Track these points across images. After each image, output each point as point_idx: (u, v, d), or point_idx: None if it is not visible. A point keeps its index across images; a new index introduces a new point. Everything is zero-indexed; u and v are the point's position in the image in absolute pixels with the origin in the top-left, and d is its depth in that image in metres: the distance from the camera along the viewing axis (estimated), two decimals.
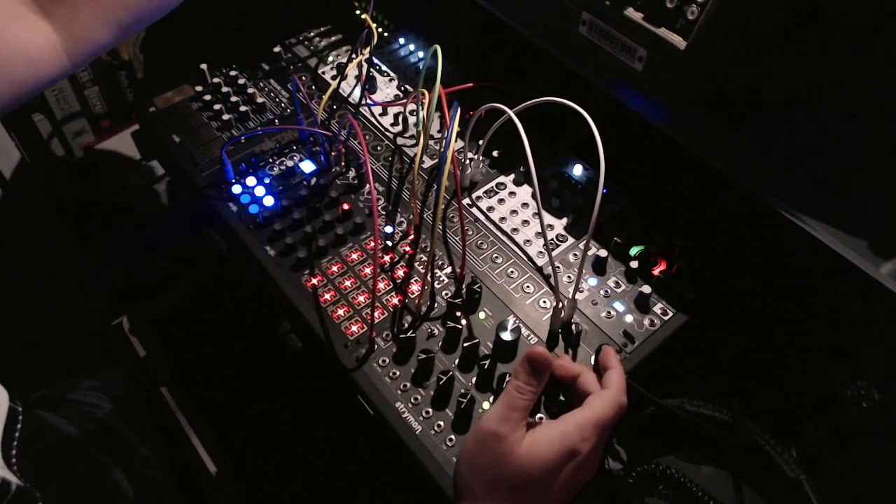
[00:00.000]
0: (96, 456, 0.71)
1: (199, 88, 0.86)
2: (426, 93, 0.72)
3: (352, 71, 0.87)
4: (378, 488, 0.81)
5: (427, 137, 0.72)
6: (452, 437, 0.58)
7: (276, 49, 0.92)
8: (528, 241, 0.72)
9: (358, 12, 0.97)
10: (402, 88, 0.87)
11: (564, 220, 0.73)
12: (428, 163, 0.79)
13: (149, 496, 0.73)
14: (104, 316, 1.01)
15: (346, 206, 0.73)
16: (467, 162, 0.76)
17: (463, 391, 0.58)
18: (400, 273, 0.69)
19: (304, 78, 0.89)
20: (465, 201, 0.75)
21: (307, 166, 0.79)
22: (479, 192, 0.76)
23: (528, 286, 0.68)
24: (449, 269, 0.69)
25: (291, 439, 0.87)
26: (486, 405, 0.60)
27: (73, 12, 0.60)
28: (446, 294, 0.67)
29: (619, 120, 0.67)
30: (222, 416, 0.89)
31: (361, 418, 0.63)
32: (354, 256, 0.70)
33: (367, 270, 0.69)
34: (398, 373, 0.62)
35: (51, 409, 0.71)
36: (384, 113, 0.85)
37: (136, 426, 0.80)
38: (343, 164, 0.78)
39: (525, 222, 0.73)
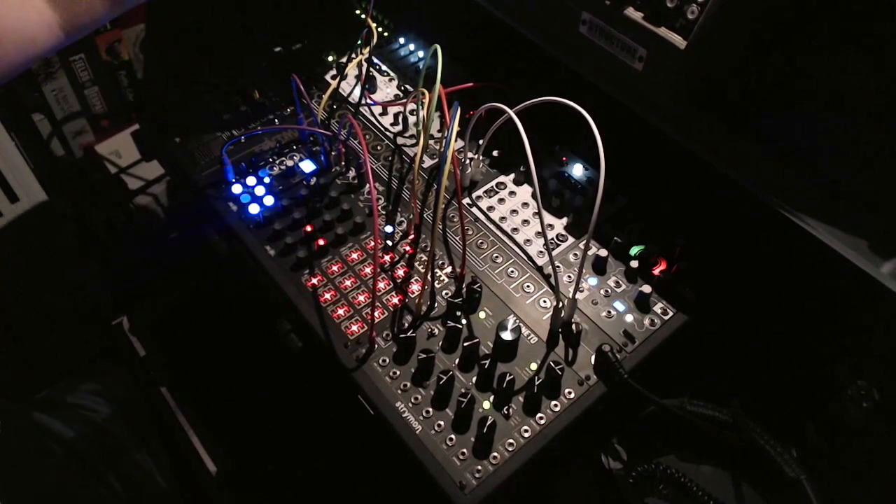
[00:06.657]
0: (91, 460, 0.71)
1: (199, 88, 0.86)
2: (426, 92, 0.72)
3: (352, 71, 0.87)
4: (378, 488, 0.81)
5: (427, 137, 0.72)
6: (452, 436, 0.58)
7: (277, 49, 0.92)
8: (528, 240, 0.72)
9: (358, 12, 0.97)
10: (402, 88, 0.87)
11: (564, 220, 0.73)
12: (428, 162, 0.79)
13: (143, 502, 0.73)
14: (104, 316, 1.01)
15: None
16: (467, 162, 0.76)
17: (463, 391, 0.58)
18: (400, 273, 0.69)
19: (304, 78, 0.89)
20: (466, 201, 0.75)
21: (307, 166, 0.79)
22: (480, 192, 0.76)
23: (528, 286, 0.68)
24: (449, 269, 0.69)
25: (291, 439, 0.87)
26: (486, 405, 0.60)
27: None
28: (446, 294, 0.67)
29: (619, 120, 0.67)
30: (222, 416, 0.89)
31: (361, 418, 0.63)
32: (354, 256, 0.70)
33: (367, 270, 0.69)
34: (398, 372, 0.62)
35: (49, 412, 0.71)
36: (384, 113, 0.85)
37: (134, 432, 0.80)
38: (343, 163, 0.78)
39: (525, 222, 0.73)
